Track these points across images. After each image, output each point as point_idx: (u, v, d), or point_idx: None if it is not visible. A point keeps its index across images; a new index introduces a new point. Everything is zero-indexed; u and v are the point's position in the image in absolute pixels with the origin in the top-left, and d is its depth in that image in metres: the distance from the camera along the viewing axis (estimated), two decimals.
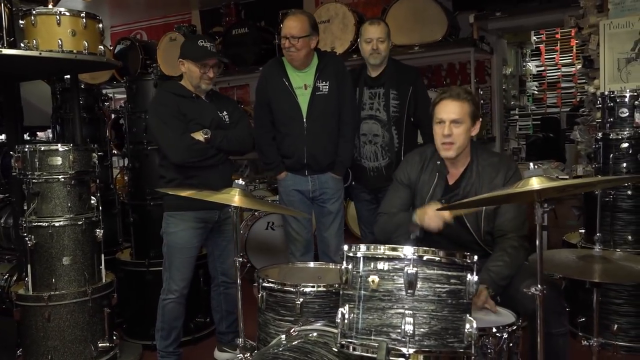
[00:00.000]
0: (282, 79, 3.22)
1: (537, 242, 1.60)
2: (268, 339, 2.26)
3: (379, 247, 1.64)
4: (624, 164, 3.22)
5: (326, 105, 3.22)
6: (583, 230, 3.51)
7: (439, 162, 2.49)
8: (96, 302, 3.07)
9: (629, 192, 3.19)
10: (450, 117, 2.35)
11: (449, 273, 1.59)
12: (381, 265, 1.61)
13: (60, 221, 2.99)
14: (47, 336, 2.96)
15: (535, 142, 7.14)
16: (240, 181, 2.21)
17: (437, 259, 1.59)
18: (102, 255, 3.18)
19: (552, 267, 1.84)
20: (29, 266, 3.00)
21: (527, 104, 7.96)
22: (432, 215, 2.26)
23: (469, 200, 1.94)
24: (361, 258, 1.65)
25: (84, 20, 3.08)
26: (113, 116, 5.91)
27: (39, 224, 2.97)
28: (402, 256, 1.59)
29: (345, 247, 1.68)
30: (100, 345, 3.07)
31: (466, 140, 2.39)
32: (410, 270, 1.55)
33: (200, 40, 3.00)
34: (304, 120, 3.20)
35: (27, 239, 2.95)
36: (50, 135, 5.26)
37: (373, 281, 1.59)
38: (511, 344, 1.96)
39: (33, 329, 2.98)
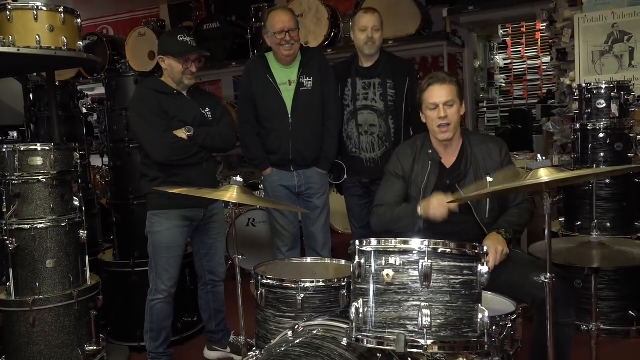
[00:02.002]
0: (267, 75, 3.21)
1: (546, 232, 1.64)
2: (268, 336, 2.25)
3: (390, 240, 1.66)
4: (602, 154, 3.32)
5: (310, 101, 3.21)
6: (563, 219, 3.60)
7: (430, 151, 2.54)
8: (82, 305, 2.98)
9: (607, 181, 3.29)
10: (442, 100, 2.42)
11: (462, 264, 1.62)
12: (393, 259, 1.62)
13: (42, 223, 2.88)
14: (32, 342, 2.87)
15: (504, 133, 7.30)
16: (239, 178, 2.19)
17: (450, 250, 1.61)
18: (87, 257, 3.09)
19: (555, 256, 1.87)
20: (10, 270, 2.89)
21: (495, 96, 8.12)
22: (437, 205, 2.30)
23: (478, 194, 1.97)
24: (372, 252, 1.66)
25: (62, 15, 2.99)
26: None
27: (21, 226, 2.86)
28: (416, 249, 1.60)
29: (357, 242, 1.68)
30: (87, 348, 2.99)
31: (459, 120, 2.46)
32: (426, 262, 1.57)
33: (179, 35, 2.94)
34: (289, 116, 3.20)
35: (8, 242, 2.84)
36: (16, 135, 5.08)
37: (388, 275, 1.60)
38: (512, 332, 2.00)
39: (17, 335, 2.88)
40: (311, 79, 3.21)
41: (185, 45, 2.90)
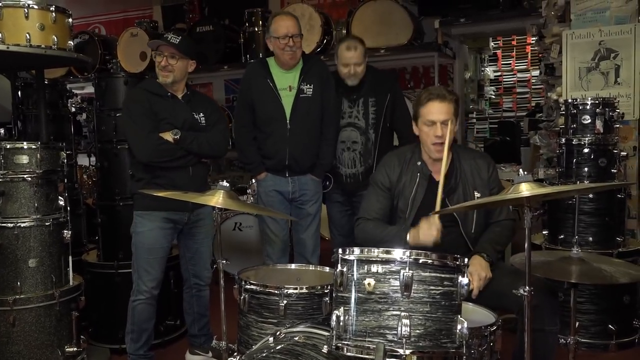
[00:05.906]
0: (267, 80, 3.21)
1: (526, 245, 1.66)
2: (250, 342, 2.26)
3: (372, 250, 1.67)
4: (586, 169, 3.36)
5: (310, 108, 3.22)
6: (546, 232, 3.63)
7: (419, 163, 2.53)
8: (64, 305, 2.95)
9: (590, 196, 3.33)
10: (441, 118, 2.39)
11: (442, 275, 1.64)
12: (375, 268, 1.64)
13: (26, 222, 2.86)
14: (12, 341, 2.83)
15: (493, 145, 7.34)
16: (225, 183, 2.19)
17: (431, 261, 1.63)
18: (70, 257, 3.07)
19: (535, 269, 1.90)
20: None
21: (485, 108, 8.19)
22: (427, 230, 2.27)
23: (462, 205, 1.99)
24: (355, 261, 1.67)
25: (53, 14, 2.97)
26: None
27: (4, 224, 2.83)
28: (398, 259, 1.62)
29: (340, 250, 1.70)
30: (67, 350, 2.96)
31: (452, 139, 2.45)
32: (407, 272, 1.59)
33: (167, 33, 2.98)
34: (287, 121, 3.20)
35: None
36: (2, 132, 5.04)
37: (369, 284, 1.61)
38: (492, 344, 2.02)
39: None
40: (312, 86, 3.22)
41: (161, 38, 2.92)
